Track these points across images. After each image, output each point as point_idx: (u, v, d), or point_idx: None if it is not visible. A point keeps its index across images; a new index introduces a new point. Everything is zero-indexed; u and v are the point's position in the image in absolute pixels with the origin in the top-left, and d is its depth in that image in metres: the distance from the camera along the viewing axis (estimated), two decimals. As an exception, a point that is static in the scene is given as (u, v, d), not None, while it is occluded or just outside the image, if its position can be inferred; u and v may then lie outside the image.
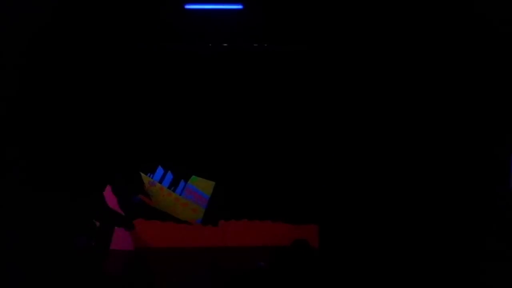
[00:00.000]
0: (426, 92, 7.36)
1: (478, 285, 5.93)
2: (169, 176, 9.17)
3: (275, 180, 8.98)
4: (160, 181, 9.16)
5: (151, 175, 9.11)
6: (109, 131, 8.53)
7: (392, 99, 7.77)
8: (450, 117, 7.15)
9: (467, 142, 6.93)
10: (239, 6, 6.76)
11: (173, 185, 9.19)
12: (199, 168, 9.15)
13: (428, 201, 7.14)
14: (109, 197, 8.75)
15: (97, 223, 8.13)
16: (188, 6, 6.78)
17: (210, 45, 8.09)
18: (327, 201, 8.66)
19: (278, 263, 4.04)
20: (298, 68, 8.43)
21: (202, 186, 9.26)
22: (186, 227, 9.18)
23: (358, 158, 8.21)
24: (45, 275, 4.69)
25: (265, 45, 8.10)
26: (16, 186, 6.42)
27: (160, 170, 9.13)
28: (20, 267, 5.14)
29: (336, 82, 8.25)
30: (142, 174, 9.07)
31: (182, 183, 9.17)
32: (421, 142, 7.43)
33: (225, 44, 8.11)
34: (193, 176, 9.20)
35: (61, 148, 7.64)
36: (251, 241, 9.01)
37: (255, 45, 8.09)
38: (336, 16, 7.07)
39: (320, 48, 8.04)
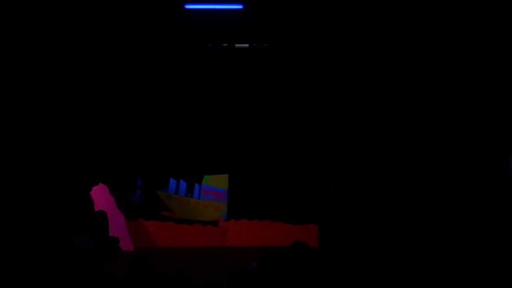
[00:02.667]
0: (425, 92, 7.36)
1: (478, 285, 5.93)
2: (183, 184, 9.28)
3: (275, 180, 9.01)
4: (176, 192, 9.26)
5: (166, 190, 9.21)
6: (109, 131, 8.53)
7: (391, 100, 7.76)
8: (449, 117, 7.15)
9: (467, 142, 6.93)
10: (239, 6, 6.75)
11: (189, 191, 9.30)
12: (208, 167, 9.23)
13: (428, 201, 7.14)
14: (108, 197, 8.77)
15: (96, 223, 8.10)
16: (188, 6, 6.77)
17: (210, 45, 8.10)
18: (327, 201, 8.67)
19: (277, 263, 4.03)
20: (298, 68, 8.43)
21: (217, 182, 9.34)
22: (186, 227, 9.20)
23: (358, 158, 8.21)
24: (46, 276, 4.69)
25: (265, 45, 8.10)
26: (17, 186, 6.42)
27: (172, 182, 9.24)
28: (21, 268, 5.15)
29: (336, 81, 8.26)
30: (158, 192, 9.17)
31: (197, 186, 9.28)
32: (420, 142, 7.43)
33: (225, 44, 8.12)
34: (205, 176, 9.28)
35: (61, 148, 7.63)
36: (251, 241, 9.03)
37: (255, 45, 8.10)
38: (336, 16, 7.06)
39: (320, 47, 8.05)
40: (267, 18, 7.14)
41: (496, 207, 6.34)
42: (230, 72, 8.51)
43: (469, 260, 6.19)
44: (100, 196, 8.55)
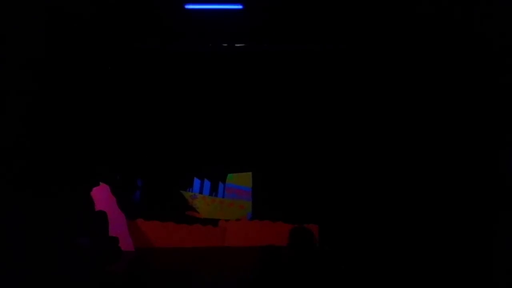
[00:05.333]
0: (425, 92, 7.36)
1: (476, 285, 5.93)
2: (207, 183, 9.33)
3: (275, 180, 9.02)
4: (200, 191, 9.31)
5: (190, 189, 9.26)
6: (108, 131, 8.54)
7: (391, 100, 7.77)
8: (450, 116, 7.15)
9: (467, 142, 6.93)
10: (239, 6, 6.76)
11: (214, 191, 9.35)
12: (231, 165, 9.27)
13: (428, 201, 7.14)
14: (109, 197, 8.77)
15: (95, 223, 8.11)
16: (188, 6, 6.78)
17: (210, 45, 8.12)
18: (327, 201, 8.68)
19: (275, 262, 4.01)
20: (297, 68, 8.44)
21: (241, 180, 9.37)
22: (186, 227, 9.20)
23: (358, 158, 8.21)
24: (45, 275, 4.70)
25: (265, 45, 8.12)
26: (18, 187, 6.42)
27: (197, 181, 9.29)
28: (21, 267, 5.15)
29: (335, 81, 8.26)
30: (182, 192, 9.22)
31: (221, 185, 9.33)
32: (420, 142, 7.43)
33: (225, 44, 8.14)
34: (229, 174, 9.32)
35: (62, 149, 7.64)
36: (251, 241, 9.03)
37: (255, 45, 8.11)
38: (336, 16, 7.07)
39: (319, 47, 8.06)
40: (267, 18, 7.15)
41: (496, 208, 6.34)
42: (229, 73, 8.52)
43: (469, 260, 6.19)
44: (101, 195, 8.56)
